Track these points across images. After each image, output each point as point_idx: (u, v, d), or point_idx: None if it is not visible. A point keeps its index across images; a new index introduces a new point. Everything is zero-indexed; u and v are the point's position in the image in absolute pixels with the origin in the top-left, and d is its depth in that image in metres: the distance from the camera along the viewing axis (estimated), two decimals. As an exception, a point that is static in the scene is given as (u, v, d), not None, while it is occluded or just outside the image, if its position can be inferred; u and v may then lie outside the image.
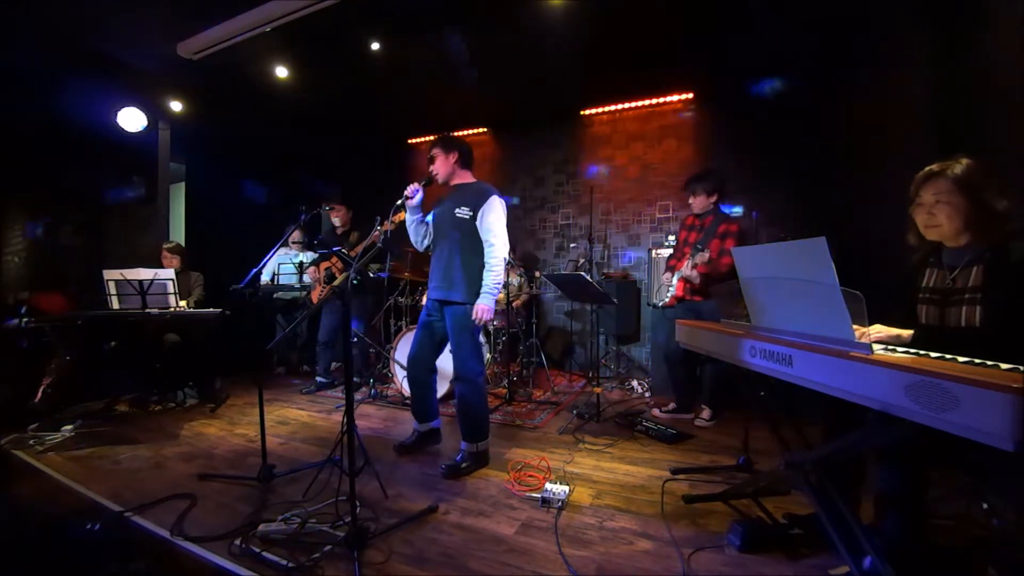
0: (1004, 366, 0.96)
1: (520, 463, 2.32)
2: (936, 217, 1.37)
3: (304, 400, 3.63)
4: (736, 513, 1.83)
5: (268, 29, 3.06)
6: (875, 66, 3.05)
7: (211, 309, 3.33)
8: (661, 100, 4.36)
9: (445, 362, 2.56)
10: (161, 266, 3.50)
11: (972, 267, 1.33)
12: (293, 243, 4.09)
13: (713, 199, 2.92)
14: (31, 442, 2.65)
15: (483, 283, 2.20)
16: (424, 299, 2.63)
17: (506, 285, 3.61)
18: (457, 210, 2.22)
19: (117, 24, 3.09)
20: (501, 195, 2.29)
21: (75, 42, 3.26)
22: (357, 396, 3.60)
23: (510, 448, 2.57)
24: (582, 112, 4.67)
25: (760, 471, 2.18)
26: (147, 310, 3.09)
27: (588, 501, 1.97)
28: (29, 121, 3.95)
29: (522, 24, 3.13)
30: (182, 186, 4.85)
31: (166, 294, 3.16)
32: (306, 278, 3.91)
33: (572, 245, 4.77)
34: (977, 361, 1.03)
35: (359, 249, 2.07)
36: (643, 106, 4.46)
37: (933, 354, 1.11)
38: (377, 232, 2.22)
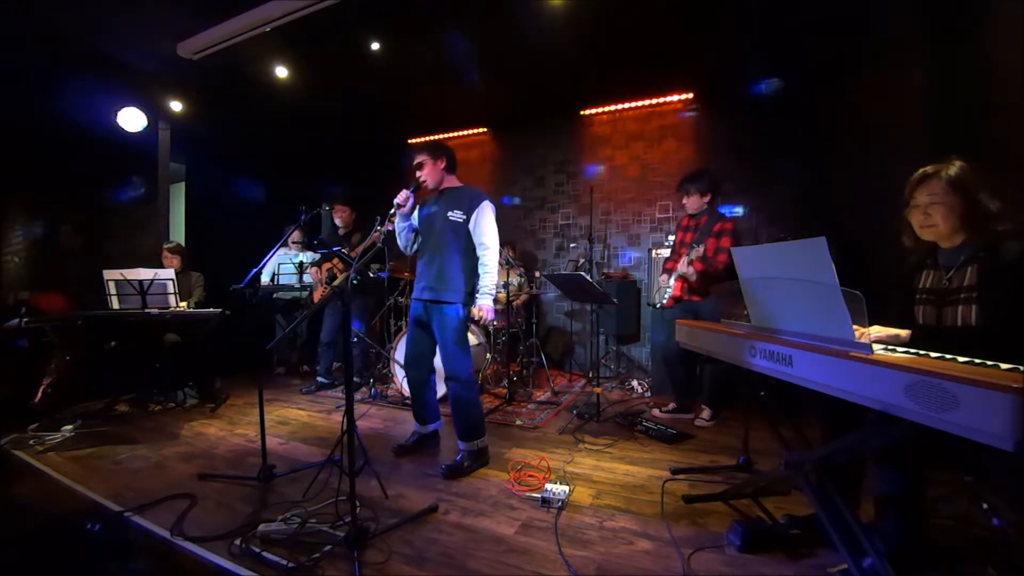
0: (1004, 366, 0.96)
1: (520, 463, 2.32)
2: (932, 217, 1.39)
3: (304, 400, 3.63)
4: (736, 513, 1.83)
5: (268, 29, 3.06)
6: (875, 66, 3.06)
7: (211, 309, 3.33)
8: (661, 100, 4.36)
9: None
10: (161, 266, 3.50)
11: (967, 267, 1.35)
12: (293, 243, 4.09)
13: (707, 199, 2.92)
14: (31, 442, 2.65)
15: (481, 284, 2.27)
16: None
17: (506, 285, 3.62)
18: (450, 214, 2.26)
19: (117, 24, 3.09)
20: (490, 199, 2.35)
21: (75, 42, 3.25)
22: (357, 396, 3.60)
23: (510, 448, 2.57)
24: (582, 112, 4.67)
25: (760, 471, 2.18)
26: (147, 310, 3.09)
27: (588, 501, 1.97)
28: (29, 121, 3.95)
29: (522, 24, 3.13)
30: (182, 186, 4.85)
31: (166, 294, 3.16)
32: (307, 278, 3.91)
33: (572, 245, 4.77)
34: (977, 361, 1.03)
35: (359, 250, 2.08)
36: (643, 106, 4.46)
37: (933, 354, 1.12)
38: (377, 232, 2.23)
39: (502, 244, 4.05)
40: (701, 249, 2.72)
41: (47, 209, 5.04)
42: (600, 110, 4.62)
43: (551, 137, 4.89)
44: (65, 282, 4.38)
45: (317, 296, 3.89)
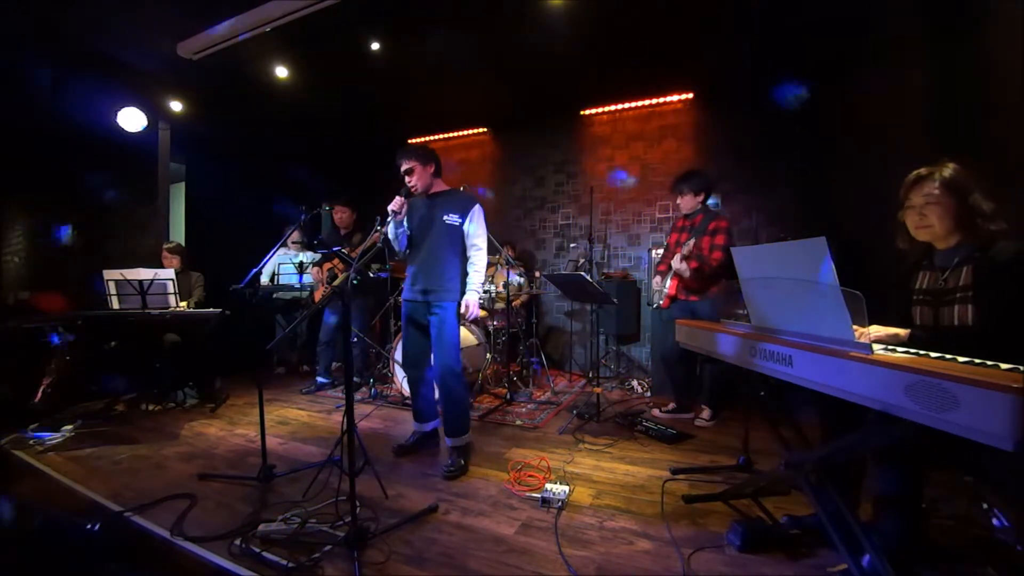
0: (1004, 366, 0.96)
1: (520, 463, 2.32)
2: (927, 218, 1.40)
3: (304, 400, 3.63)
4: (736, 513, 1.83)
5: (268, 29, 3.06)
6: (875, 66, 3.06)
7: (211, 309, 3.33)
8: (661, 100, 4.36)
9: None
10: (161, 266, 3.49)
11: (962, 267, 1.36)
12: (293, 243, 4.09)
13: (700, 198, 2.93)
14: (31, 442, 2.65)
15: (470, 281, 2.40)
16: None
17: (506, 285, 3.62)
18: (446, 217, 2.34)
19: (117, 24, 3.09)
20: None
21: (75, 42, 3.25)
22: (357, 396, 3.60)
23: (510, 448, 2.57)
24: (582, 112, 4.67)
25: (760, 471, 2.18)
26: (147, 310, 3.09)
27: (588, 501, 1.97)
28: (29, 121, 3.95)
29: (522, 24, 3.13)
30: (182, 186, 4.85)
31: (166, 294, 3.16)
32: (307, 278, 3.91)
33: (572, 245, 4.77)
34: (977, 361, 1.03)
35: (359, 250, 2.08)
36: (643, 106, 4.46)
37: (933, 354, 1.12)
38: (377, 233, 2.24)
39: (502, 244, 4.07)
40: (691, 243, 2.72)
41: (47, 209, 5.04)
42: (600, 110, 4.62)
43: (551, 137, 4.88)
44: (65, 282, 4.38)
45: (317, 296, 3.90)
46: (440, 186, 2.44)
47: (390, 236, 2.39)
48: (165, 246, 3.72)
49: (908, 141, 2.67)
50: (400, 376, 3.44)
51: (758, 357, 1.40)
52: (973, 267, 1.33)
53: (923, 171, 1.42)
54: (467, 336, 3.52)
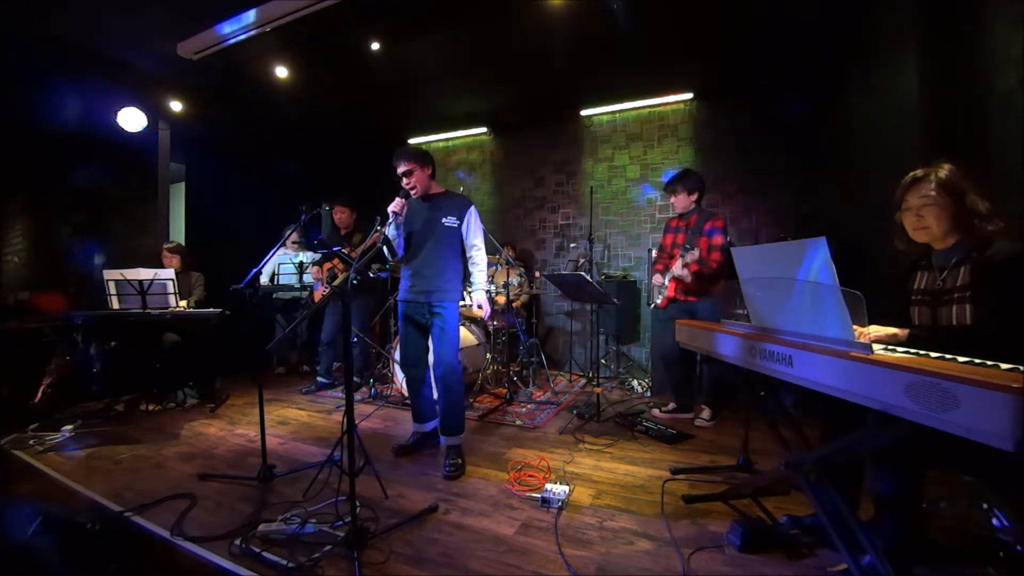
0: (1004, 366, 0.96)
1: (520, 463, 2.32)
2: (924, 219, 1.41)
3: (304, 400, 3.63)
4: (736, 513, 1.83)
5: (268, 29, 3.06)
6: (875, 67, 3.05)
7: (211, 309, 3.33)
8: (661, 100, 4.36)
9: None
10: (161, 266, 3.49)
11: (960, 267, 1.37)
12: (292, 243, 4.09)
13: (694, 197, 2.93)
14: (31, 442, 2.65)
15: (475, 280, 2.49)
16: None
17: (506, 285, 3.62)
18: (444, 219, 2.38)
19: (117, 24, 3.09)
20: None
21: (75, 42, 3.25)
22: (357, 396, 3.60)
23: (510, 448, 2.57)
24: (582, 112, 4.67)
25: (760, 471, 2.18)
26: (147, 310, 3.09)
27: (588, 501, 1.97)
28: (29, 121, 3.94)
29: (522, 24, 3.13)
30: (182, 186, 4.85)
31: (166, 294, 3.16)
32: (307, 278, 3.91)
33: (572, 245, 4.76)
34: (977, 361, 1.03)
35: (360, 250, 2.09)
36: (643, 106, 4.46)
37: (933, 354, 1.12)
38: (377, 233, 2.25)
39: (502, 244, 4.07)
40: (696, 253, 2.72)
41: (47, 209, 5.04)
42: (600, 110, 4.62)
43: (551, 137, 4.88)
44: (65, 282, 4.38)
45: (317, 296, 3.90)
46: (436, 188, 2.47)
47: (390, 238, 2.41)
48: (165, 246, 3.72)
49: (908, 141, 2.67)
50: (400, 376, 3.44)
51: (758, 357, 1.40)
52: (971, 267, 1.34)
53: (919, 172, 1.43)
54: (467, 336, 3.52)
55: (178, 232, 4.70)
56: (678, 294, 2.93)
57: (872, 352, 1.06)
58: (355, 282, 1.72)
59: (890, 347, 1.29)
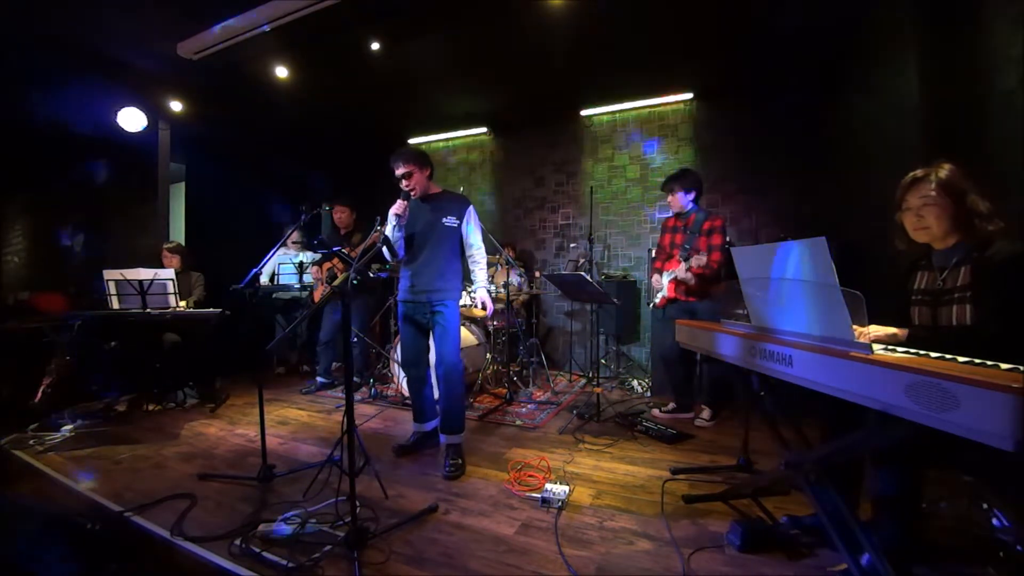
0: (1004, 366, 0.96)
1: (520, 463, 2.32)
2: (925, 219, 1.41)
3: (304, 400, 3.63)
4: (736, 513, 1.83)
5: (268, 29, 3.06)
6: (875, 67, 3.05)
7: (211, 309, 3.33)
8: (661, 100, 4.36)
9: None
10: (161, 266, 3.50)
11: (960, 267, 1.37)
12: (293, 243, 4.09)
13: (691, 196, 2.93)
14: (31, 442, 2.65)
15: (476, 279, 2.53)
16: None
17: (506, 285, 3.62)
18: (444, 219, 2.40)
19: (117, 24, 3.09)
20: None
21: (75, 42, 3.25)
22: (357, 396, 3.60)
23: (510, 448, 2.57)
24: (582, 112, 4.67)
25: (760, 471, 2.18)
26: (147, 310, 3.09)
27: (588, 501, 1.97)
28: (29, 121, 3.94)
29: (523, 24, 3.13)
30: (182, 186, 4.85)
31: (166, 294, 3.16)
32: (307, 278, 3.91)
33: (572, 245, 4.76)
34: (977, 361, 1.03)
35: (359, 249, 2.10)
36: (643, 106, 4.46)
37: (933, 354, 1.12)
38: (377, 232, 2.25)
39: (503, 244, 4.07)
40: (704, 259, 2.70)
41: (47, 209, 5.05)
42: (600, 110, 4.62)
43: (551, 137, 4.88)
44: (65, 282, 4.38)
45: (317, 296, 3.90)
46: (435, 188, 2.48)
47: (391, 239, 2.41)
48: (165, 246, 3.73)
49: (908, 141, 2.67)
50: (400, 376, 3.44)
51: (758, 357, 1.40)
52: (971, 267, 1.34)
53: (919, 172, 1.43)
54: (467, 336, 3.52)
55: (178, 232, 4.70)
56: (678, 294, 2.93)
57: (872, 352, 1.06)
58: (355, 282, 1.72)
59: (890, 347, 1.29)
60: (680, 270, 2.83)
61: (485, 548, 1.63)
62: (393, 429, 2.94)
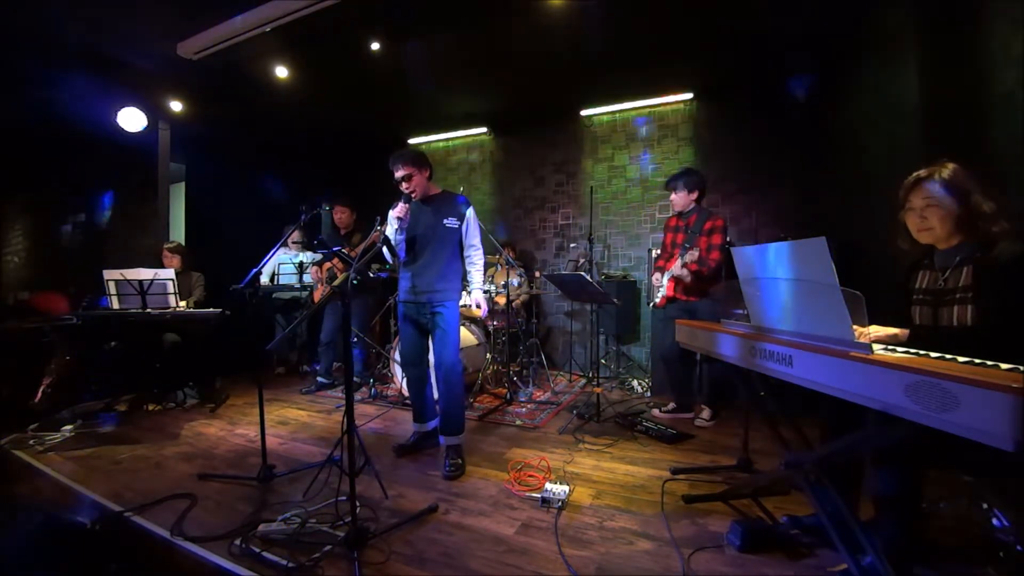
0: (1004, 366, 0.96)
1: (520, 463, 2.32)
2: (928, 220, 1.40)
3: (304, 400, 3.63)
4: (736, 513, 1.83)
5: (268, 29, 3.06)
6: (875, 66, 3.05)
7: (211, 309, 3.33)
8: (661, 100, 4.35)
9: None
10: (161, 266, 3.50)
11: (962, 267, 1.36)
12: (293, 243, 4.09)
13: (694, 196, 2.93)
14: (31, 442, 2.65)
15: (472, 280, 2.53)
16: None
17: (506, 285, 3.62)
18: (445, 221, 2.40)
19: (117, 24, 3.09)
20: None
21: (75, 42, 3.25)
22: (357, 396, 3.60)
23: (510, 448, 2.57)
24: (582, 112, 4.67)
25: (760, 471, 2.18)
26: (147, 310, 3.09)
27: (588, 501, 1.97)
28: (29, 121, 3.95)
29: (523, 24, 3.13)
30: (182, 186, 4.85)
31: (166, 294, 3.16)
32: (307, 278, 3.91)
33: (572, 245, 4.76)
34: (977, 361, 1.03)
35: (359, 249, 2.10)
36: (643, 106, 4.46)
37: (933, 354, 1.12)
38: (377, 232, 2.25)
39: (503, 245, 4.07)
40: (696, 253, 2.72)
41: (47, 209, 5.05)
42: (600, 110, 4.61)
43: (551, 137, 4.88)
44: (65, 282, 4.38)
45: (317, 296, 3.90)
46: (434, 189, 2.48)
47: (392, 241, 2.42)
48: (165, 246, 3.73)
49: (908, 141, 2.67)
50: (400, 376, 3.44)
51: (758, 357, 1.40)
52: (973, 268, 1.33)
53: (922, 172, 1.41)
54: (467, 336, 3.52)
55: (178, 232, 4.70)
56: (678, 293, 2.93)
57: (872, 352, 1.06)
58: (355, 282, 1.72)
59: (890, 347, 1.29)
60: (676, 266, 2.84)
61: (485, 548, 1.63)
62: (393, 429, 2.94)
